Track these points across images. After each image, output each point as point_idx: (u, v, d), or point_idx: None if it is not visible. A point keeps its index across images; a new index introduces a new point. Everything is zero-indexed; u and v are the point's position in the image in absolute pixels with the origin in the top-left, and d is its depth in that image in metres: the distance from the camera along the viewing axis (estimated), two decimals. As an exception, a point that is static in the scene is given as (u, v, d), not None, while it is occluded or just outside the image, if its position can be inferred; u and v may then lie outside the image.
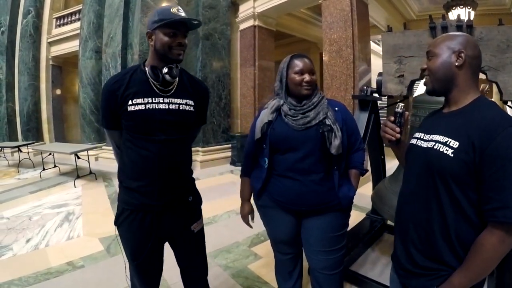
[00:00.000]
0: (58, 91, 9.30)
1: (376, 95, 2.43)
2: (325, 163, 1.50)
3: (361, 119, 2.39)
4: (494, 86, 1.97)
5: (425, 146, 1.06)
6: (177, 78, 1.39)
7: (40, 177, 5.68)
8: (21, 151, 6.84)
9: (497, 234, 0.88)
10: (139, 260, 1.41)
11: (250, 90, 6.56)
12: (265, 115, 1.56)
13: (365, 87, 2.36)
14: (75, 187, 4.90)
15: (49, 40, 8.83)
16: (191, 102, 1.41)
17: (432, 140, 1.04)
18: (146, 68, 1.34)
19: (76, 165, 5.36)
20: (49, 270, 2.51)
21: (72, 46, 8.18)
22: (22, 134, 8.57)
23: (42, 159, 6.14)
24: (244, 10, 6.58)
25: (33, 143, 7.35)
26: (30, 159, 6.82)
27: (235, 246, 2.87)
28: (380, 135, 1.26)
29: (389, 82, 2.28)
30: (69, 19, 8.60)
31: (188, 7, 5.99)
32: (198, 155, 5.99)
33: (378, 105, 2.58)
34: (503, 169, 0.87)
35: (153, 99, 1.32)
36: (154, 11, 1.35)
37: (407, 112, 1.19)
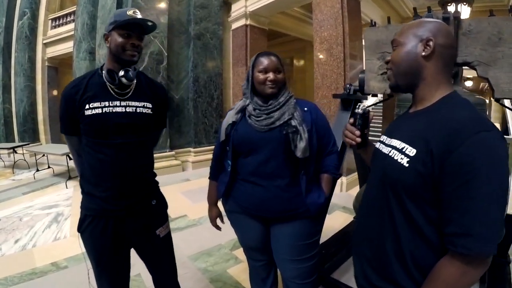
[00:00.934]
0: (55, 92, 9.32)
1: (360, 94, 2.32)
2: (290, 167, 1.41)
3: (343, 120, 2.24)
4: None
5: (384, 152, 0.92)
6: (135, 81, 1.38)
7: (34, 178, 5.70)
8: (16, 152, 6.87)
9: (457, 265, 0.72)
10: (103, 266, 1.40)
11: (243, 90, 6.49)
12: (230, 116, 1.50)
13: (348, 85, 2.24)
14: (66, 188, 4.91)
15: (45, 41, 8.86)
16: (148, 105, 1.40)
17: (390, 146, 0.91)
18: (103, 72, 1.33)
19: (68, 166, 5.36)
20: (34, 270, 2.54)
21: (68, 47, 8.17)
22: (19, 135, 8.63)
23: (36, 160, 6.16)
24: (236, 9, 6.55)
25: (28, 144, 7.38)
26: (25, 160, 6.85)
27: (217, 249, 2.85)
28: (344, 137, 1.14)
29: (372, 79, 2.16)
30: (64, 20, 8.63)
31: (179, 7, 5.97)
32: (190, 155, 5.99)
33: (376, 100, 2.47)
34: (467, 186, 0.69)
35: (110, 102, 1.32)
36: (113, 14, 1.34)
37: (371, 113, 1.06)
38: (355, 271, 1.04)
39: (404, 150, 0.83)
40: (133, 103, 1.36)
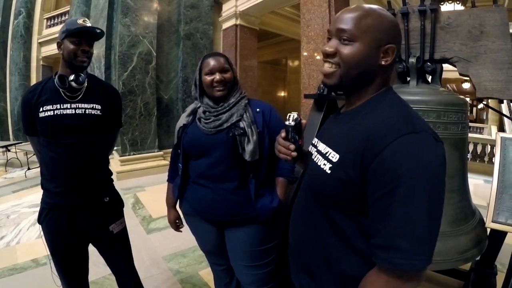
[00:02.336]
0: (49, 91, 9.35)
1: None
2: (239, 170, 1.38)
3: (314, 121, 2.11)
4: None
5: (312, 157, 0.87)
6: (85, 84, 1.48)
7: (25, 177, 5.75)
8: (9, 151, 6.92)
9: (384, 279, 0.65)
10: (57, 257, 1.51)
11: (232, 90, 6.47)
12: (182, 119, 1.50)
13: (321, 85, 2.22)
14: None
15: (39, 41, 8.91)
16: (98, 106, 1.49)
17: (317, 150, 0.86)
18: (55, 78, 1.44)
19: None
20: (14, 266, 2.62)
21: (62, 46, 8.20)
22: (13, 134, 8.68)
23: (27, 159, 6.21)
24: (227, 9, 6.53)
25: (20, 142, 7.43)
26: (18, 158, 6.90)
27: (192, 251, 2.86)
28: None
29: None
30: (59, 20, 8.68)
31: (169, 7, 5.97)
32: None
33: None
34: (391, 195, 0.63)
35: (61, 105, 1.43)
36: (64, 23, 1.46)
37: (303, 121, 0.95)
38: (292, 273, 0.98)
39: (327, 155, 0.78)
40: (83, 105, 1.46)
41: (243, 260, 1.48)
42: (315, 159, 0.83)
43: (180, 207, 1.63)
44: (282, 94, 12.10)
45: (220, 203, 1.41)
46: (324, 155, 0.79)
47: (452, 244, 1.45)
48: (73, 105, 1.44)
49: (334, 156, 0.75)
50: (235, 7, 6.27)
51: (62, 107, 1.42)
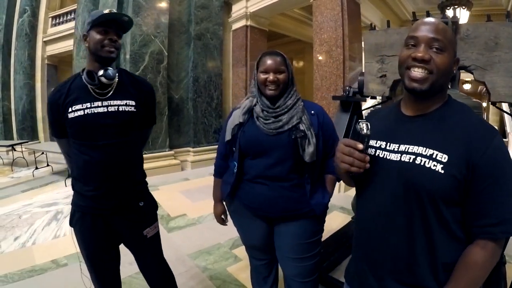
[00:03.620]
0: (54, 90, 9.31)
1: (359, 96, 2.30)
2: (298, 170, 1.41)
3: (342, 121, 2.28)
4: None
5: (398, 159, 0.88)
6: (116, 79, 1.39)
7: (33, 176, 5.70)
8: (15, 150, 6.86)
9: (489, 249, 0.81)
10: (91, 260, 1.46)
11: (242, 91, 6.54)
12: (237, 116, 1.48)
13: (348, 87, 2.26)
14: (66, 186, 4.93)
15: (44, 39, 8.84)
16: (131, 102, 1.41)
17: (407, 152, 0.87)
18: (83, 74, 1.35)
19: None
20: (33, 267, 2.54)
21: (68, 45, 8.13)
22: (17, 133, 8.61)
23: (35, 158, 6.16)
24: (237, 10, 6.58)
25: (27, 142, 7.37)
26: (24, 158, 6.84)
27: (216, 248, 2.87)
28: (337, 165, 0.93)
29: (371, 82, 2.19)
30: (64, 18, 8.62)
31: (180, 7, 6.00)
32: (189, 155, 6.01)
33: (374, 103, 2.48)
34: (497, 183, 0.79)
35: (92, 103, 1.34)
36: (90, 14, 1.38)
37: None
38: (366, 282, 0.98)
39: (434, 156, 0.82)
40: (115, 102, 1.37)
41: (292, 253, 1.51)
42: (417, 162, 0.85)
43: (227, 205, 1.65)
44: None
45: (277, 199, 1.44)
46: (430, 157, 0.83)
47: None
48: (105, 103, 1.35)
49: (443, 157, 0.81)
50: (246, 8, 6.33)
51: (93, 105, 1.33)
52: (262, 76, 1.41)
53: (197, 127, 6.09)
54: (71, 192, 1.46)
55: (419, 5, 6.73)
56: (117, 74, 1.39)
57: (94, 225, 1.40)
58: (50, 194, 4.61)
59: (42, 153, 6.07)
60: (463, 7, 5.42)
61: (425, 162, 0.83)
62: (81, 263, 1.51)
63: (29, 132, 8.68)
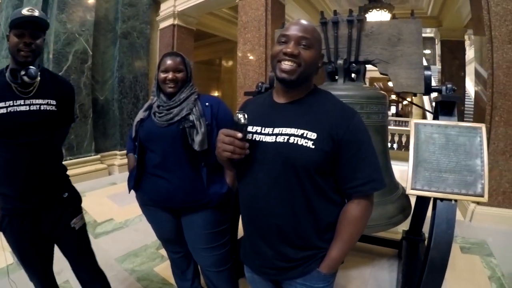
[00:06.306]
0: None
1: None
2: (191, 159, 1.52)
3: None
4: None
5: (273, 141, 1.00)
6: (38, 78, 1.40)
7: None
8: None
9: (364, 204, 1.00)
10: (27, 262, 1.48)
11: (169, 91, 6.40)
12: (139, 114, 1.59)
13: (260, 84, 2.36)
14: None
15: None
16: (52, 102, 1.44)
17: (281, 134, 0.99)
18: (6, 72, 1.36)
19: None
20: None
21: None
22: None
23: None
24: (165, 8, 6.43)
25: None
26: None
27: (143, 249, 2.87)
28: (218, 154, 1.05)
29: None
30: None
31: (107, 4, 5.69)
32: (116, 158, 5.75)
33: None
34: (360, 152, 0.97)
35: (14, 101, 1.34)
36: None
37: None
38: (259, 256, 1.09)
39: (305, 135, 0.96)
40: (37, 101, 1.39)
41: (201, 243, 1.62)
42: (291, 141, 0.97)
43: (136, 197, 1.71)
44: (216, 93, 12.16)
45: (176, 192, 1.53)
46: (302, 136, 0.97)
47: (381, 211, 1.81)
48: (27, 101, 1.36)
49: (312, 135, 0.96)
50: (174, 7, 6.21)
51: (15, 103, 1.34)
52: (162, 75, 1.52)
53: (124, 129, 5.82)
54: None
55: (344, 7, 7.18)
56: (39, 73, 1.40)
57: (23, 226, 1.40)
58: None
59: None
60: (385, 9, 5.92)
61: (297, 140, 0.96)
62: (9, 265, 1.50)
63: None
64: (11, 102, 1.33)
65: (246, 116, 0.94)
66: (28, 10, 1.33)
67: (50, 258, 1.57)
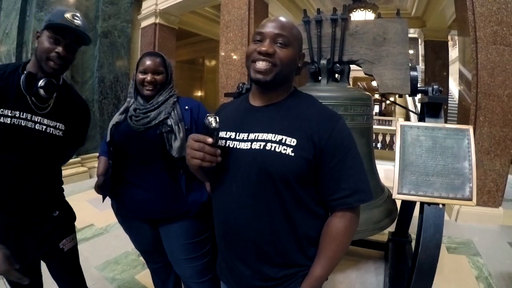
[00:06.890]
0: None
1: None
2: (169, 166, 1.42)
3: None
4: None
5: (248, 148, 0.91)
6: (54, 95, 1.23)
7: None
8: None
9: (348, 218, 0.91)
10: (12, 281, 1.29)
11: (151, 91, 6.29)
12: (115, 117, 1.48)
13: (241, 84, 2.28)
14: None
15: None
16: (61, 126, 1.27)
17: (257, 140, 0.90)
18: (22, 74, 1.16)
19: None
20: None
21: None
22: None
23: None
24: (147, 6, 6.30)
25: None
26: None
27: (124, 256, 2.76)
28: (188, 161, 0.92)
29: None
30: None
31: (88, 2, 5.53)
32: (97, 161, 5.60)
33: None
34: (344, 159, 0.88)
35: (22, 113, 1.16)
36: (52, 11, 1.19)
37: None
38: (235, 274, 1.00)
39: (284, 141, 0.87)
40: (45, 121, 1.21)
41: (181, 254, 1.53)
42: (267, 148, 0.88)
43: (112, 205, 1.61)
44: (199, 93, 12.00)
45: (153, 201, 1.44)
46: (279, 142, 0.88)
47: (367, 216, 1.75)
48: (35, 118, 1.17)
49: (292, 141, 0.88)
50: (155, 5, 6.10)
51: (22, 116, 1.15)
52: (141, 76, 1.42)
53: (104, 131, 5.67)
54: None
55: (328, 6, 7.22)
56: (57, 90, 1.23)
57: (6, 244, 1.20)
58: None
59: None
60: (369, 9, 5.95)
61: (275, 147, 0.87)
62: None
63: None
64: (17, 112, 1.15)
65: (218, 119, 0.84)
66: (72, 16, 1.16)
67: (38, 278, 1.43)
